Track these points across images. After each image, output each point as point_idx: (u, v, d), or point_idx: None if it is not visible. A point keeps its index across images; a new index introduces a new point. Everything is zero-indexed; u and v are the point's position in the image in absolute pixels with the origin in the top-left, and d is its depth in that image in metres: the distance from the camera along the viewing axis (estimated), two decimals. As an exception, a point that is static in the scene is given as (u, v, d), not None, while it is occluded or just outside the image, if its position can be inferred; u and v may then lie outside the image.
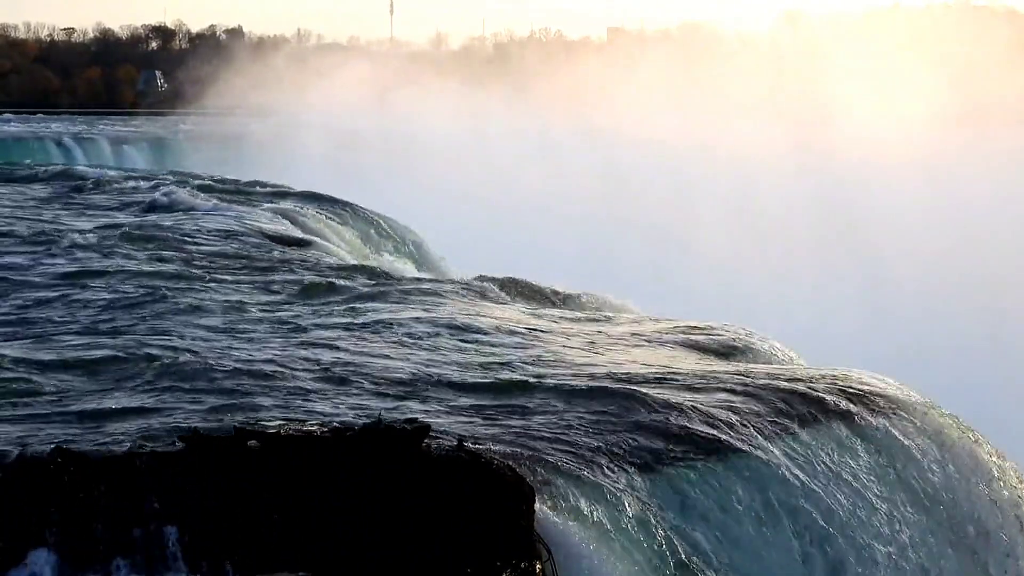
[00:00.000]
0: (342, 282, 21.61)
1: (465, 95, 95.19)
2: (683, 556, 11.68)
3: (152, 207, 33.58)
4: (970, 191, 64.59)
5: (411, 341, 16.71)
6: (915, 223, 60.28)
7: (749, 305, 42.31)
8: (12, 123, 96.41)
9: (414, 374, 14.99)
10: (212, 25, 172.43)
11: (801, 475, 13.25)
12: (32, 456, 10.91)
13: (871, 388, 15.59)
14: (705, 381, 15.16)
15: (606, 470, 12.13)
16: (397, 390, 14.30)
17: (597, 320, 20.00)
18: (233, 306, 18.86)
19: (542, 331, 18.17)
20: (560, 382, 14.89)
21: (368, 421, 11.39)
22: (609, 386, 14.69)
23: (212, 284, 20.72)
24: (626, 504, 11.77)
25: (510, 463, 11.34)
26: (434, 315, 18.60)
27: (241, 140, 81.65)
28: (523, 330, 18.08)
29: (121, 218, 31.45)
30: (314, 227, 33.00)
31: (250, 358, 15.19)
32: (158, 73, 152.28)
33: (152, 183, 39.92)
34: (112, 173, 45.61)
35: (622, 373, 15.49)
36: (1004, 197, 63.88)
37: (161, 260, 23.40)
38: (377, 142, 78.82)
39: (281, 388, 13.97)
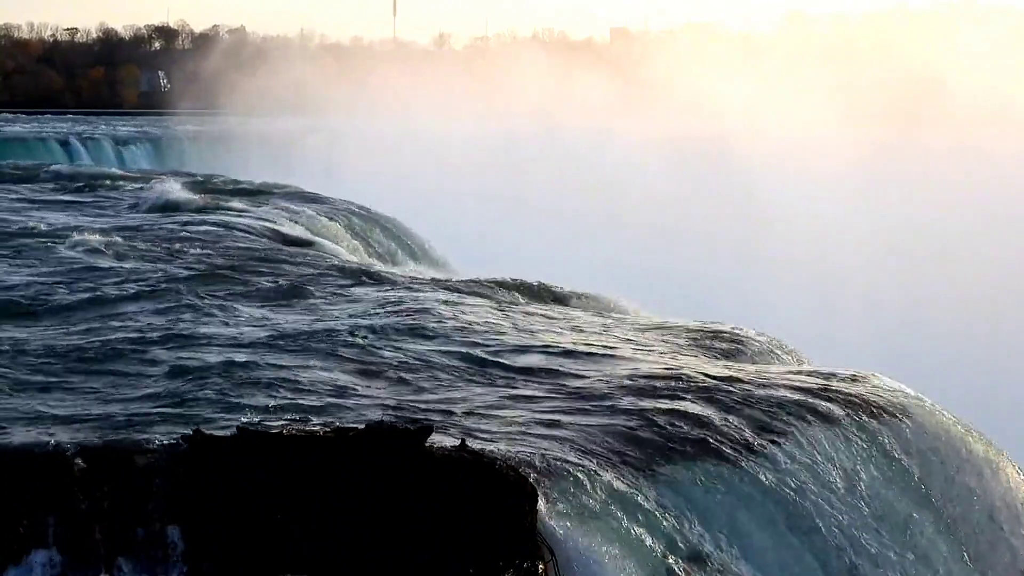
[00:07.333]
0: (343, 281, 21.59)
1: (470, 94, 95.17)
2: (687, 558, 11.65)
3: (155, 208, 33.59)
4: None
5: (413, 340, 16.68)
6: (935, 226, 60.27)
7: (752, 306, 42.24)
8: (16, 123, 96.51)
9: (417, 373, 14.97)
10: (215, 25, 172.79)
11: (807, 477, 13.22)
12: (34, 455, 10.90)
13: (874, 390, 15.56)
14: (711, 382, 15.11)
15: (609, 471, 12.11)
16: (400, 389, 14.28)
17: (602, 320, 19.96)
18: (237, 305, 18.84)
19: (545, 330, 18.14)
20: (563, 382, 14.87)
21: (371, 421, 11.37)
22: (614, 386, 14.67)
23: (215, 284, 20.70)
24: (629, 505, 11.75)
25: (513, 463, 11.31)
26: (436, 314, 18.57)
27: (244, 140, 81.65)
28: (527, 329, 18.06)
29: (124, 219, 31.47)
30: (317, 227, 33.03)
31: (253, 358, 15.16)
32: (161, 73, 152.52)
33: (155, 183, 39.93)
34: (115, 173, 45.68)
35: (626, 373, 15.45)
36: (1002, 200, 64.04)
37: (164, 260, 23.38)
38: (382, 142, 78.79)
39: (287, 389, 13.94)
